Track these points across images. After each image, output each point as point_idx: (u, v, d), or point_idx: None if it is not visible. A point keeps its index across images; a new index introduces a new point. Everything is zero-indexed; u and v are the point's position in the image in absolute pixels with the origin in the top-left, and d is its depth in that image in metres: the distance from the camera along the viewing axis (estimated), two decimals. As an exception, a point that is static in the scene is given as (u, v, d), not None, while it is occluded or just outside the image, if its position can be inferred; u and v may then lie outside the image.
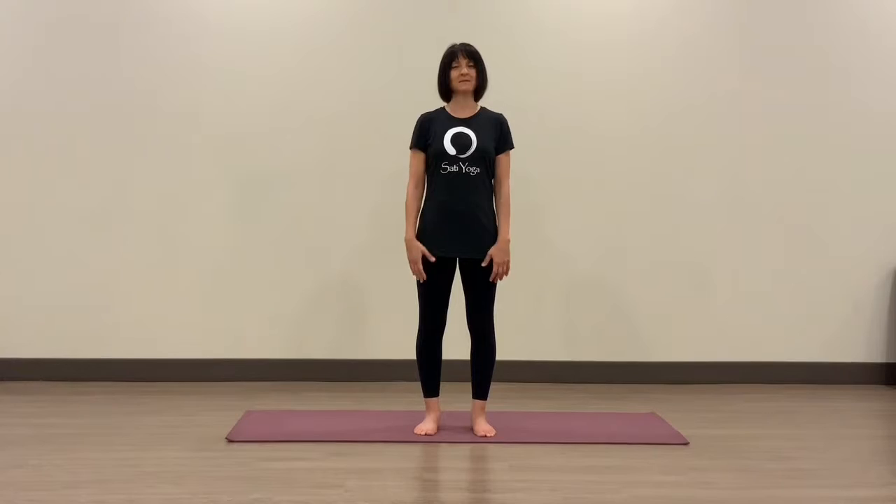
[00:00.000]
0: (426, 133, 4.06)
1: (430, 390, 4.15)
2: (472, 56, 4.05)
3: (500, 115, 4.13)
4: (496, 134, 4.06)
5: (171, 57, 5.20)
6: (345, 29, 5.25)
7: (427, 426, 4.11)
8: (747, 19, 5.34)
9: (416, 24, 5.24)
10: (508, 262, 4.03)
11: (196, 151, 5.22)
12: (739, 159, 5.36)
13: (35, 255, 5.19)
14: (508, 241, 4.03)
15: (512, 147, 4.10)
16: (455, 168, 4.00)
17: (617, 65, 5.32)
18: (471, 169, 4.00)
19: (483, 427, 4.11)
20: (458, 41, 4.12)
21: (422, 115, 4.13)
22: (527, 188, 4.92)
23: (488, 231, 4.03)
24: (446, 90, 4.10)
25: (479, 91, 4.10)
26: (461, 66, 4.02)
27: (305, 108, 5.25)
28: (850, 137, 5.39)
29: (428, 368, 4.12)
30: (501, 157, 4.07)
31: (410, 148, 4.10)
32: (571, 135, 5.31)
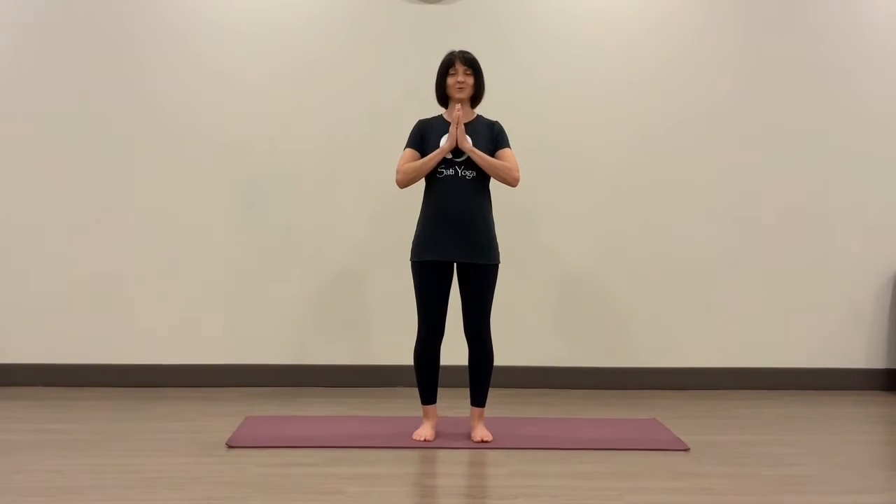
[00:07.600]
0: (423, 138, 4.06)
1: (428, 397, 4.13)
2: (470, 63, 4.04)
3: (496, 121, 4.12)
4: (491, 137, 4.06)
5: (173, 61, 5.20)
6: (345, 34, 5.25)
7: (425, 432, 4.09)
8: (746, 23, 5.34)
9: (416, 29, 5.23)
10: (456, 136, 3.93)
11: (197, 156, 5.21)
12: (739, 164, 5.36)
13: (34, 259, 5.18)
14: (469, 145, 3.96)
15: (508, 146, 4.07)
16: (451, 171, 4.00)
17: (615, 70, 5.32)
18: (466, 172, 4.00)
19: (481, 433, 4.09)
20: (456, 47, 4.12)
21: (420, 121, 4.13)
22: (525, 193, 4.90)
23: (485, 235, 4.02)
24: (443, 96, 4.11)
25: (475, 98, 4.10)
26: (458, 73, 4.02)
27: (306, 112, 5.24)
28: (851, 141, 5.39)
29: (426, 375, 4.11)
30: (499, 153, 4.04)
31: (405, 148, 4.08)
32: (569, 140, 5.30)
